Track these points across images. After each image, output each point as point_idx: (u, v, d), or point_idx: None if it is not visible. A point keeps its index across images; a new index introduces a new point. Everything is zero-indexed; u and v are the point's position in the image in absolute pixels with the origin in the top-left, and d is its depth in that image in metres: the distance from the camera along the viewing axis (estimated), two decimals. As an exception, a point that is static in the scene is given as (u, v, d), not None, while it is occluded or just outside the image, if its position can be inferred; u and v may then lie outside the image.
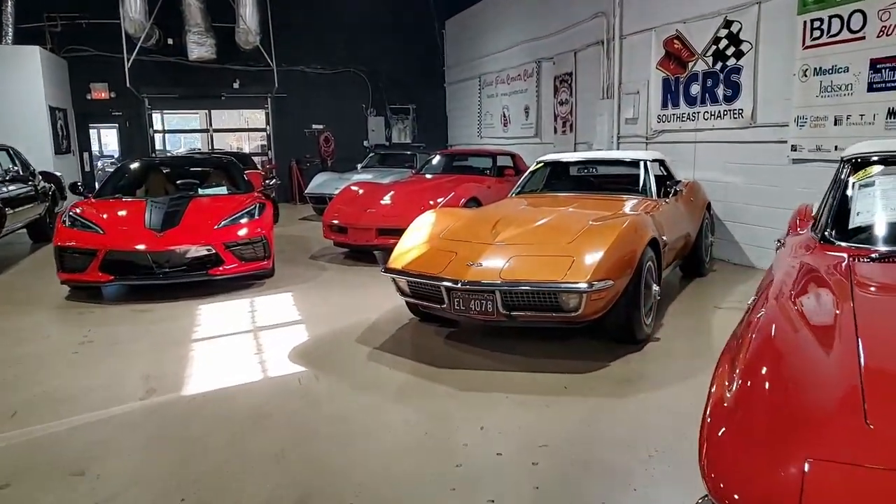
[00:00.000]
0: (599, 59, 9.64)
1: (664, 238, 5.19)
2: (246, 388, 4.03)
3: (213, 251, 6.46)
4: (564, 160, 6.62)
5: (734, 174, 7.38)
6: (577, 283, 4.05)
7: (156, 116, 15.93)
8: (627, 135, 9.23)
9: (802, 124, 6.34)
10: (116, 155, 16.91)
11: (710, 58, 7.55)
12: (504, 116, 13.23)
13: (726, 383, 1.94)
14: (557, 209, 5.43)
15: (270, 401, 3.81)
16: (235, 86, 15.59)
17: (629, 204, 5.55)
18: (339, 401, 3.78)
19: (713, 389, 1.96)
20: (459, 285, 4.21)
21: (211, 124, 16.17)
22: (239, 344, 4.94)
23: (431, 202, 7.89)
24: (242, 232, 6.69)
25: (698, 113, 7.81)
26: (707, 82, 7.64)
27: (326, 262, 8.15)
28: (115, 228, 6.45)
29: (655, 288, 4.72)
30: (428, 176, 9.85)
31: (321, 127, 16.27)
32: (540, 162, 6.59)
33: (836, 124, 5.98)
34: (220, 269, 6.48)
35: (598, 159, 6.60)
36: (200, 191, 7.70)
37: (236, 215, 6.81)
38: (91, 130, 16.45)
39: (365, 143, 16.30)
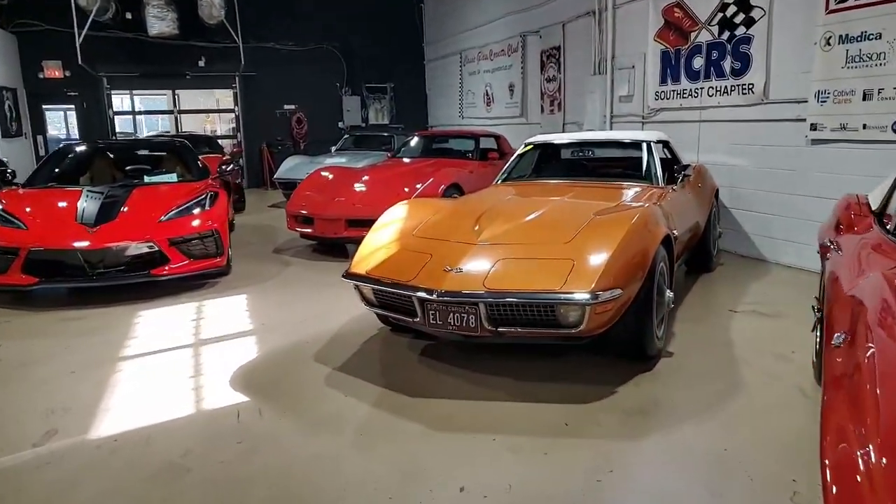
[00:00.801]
0: (590, 32, 8.84)
1: (675, 232, 4.46)
2: (171, 428, 3.25)
3: (156, 248, 5.63)
4: (556, 142, 5.85)
5: (743, 157, 6.66)
6: (578, 293, 3.30)
7: (123, 98, 14.91)
8: (621, 114, 8.47)
9: (824, 100, 5.61)
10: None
11: (716, 27, 6.79)
12: (487, 95, 12.41)
13: (855, 448, 1.25)
14: (551, 199, 4.67)
15: (197, 447, 3.03)
16: (201, 64, 14.58)
17: (633, 192, 4.81)
18: (282, 447, 3.01)
19: (828, 450, 1.31)
20: (434, 296, 3.45)
21: (176, 105, 15.15)
22: (174, 363, 4.14)
23: (406, 189, 7.11)
24: (190, 225, 5.86)
25: (702, 89, 7.06)
26: (712, 54, 6.88)
27: (291, 257, 7.34)
28: (40, 223, 5.60)
29: (669, 294, 3.98)
30: (406, 160, 9.03)
31: (293, 107, 15.34)
32: (528, 144, 5.81)
33: (864, 99, 5.25)
34: (165, 268, 5.66)
35: (594, 141, 5.83)
36: (147, 178, 6.84)
37: (184, 206, 5.98)
38: (54, 112, 15.42)
39: (340, 124, 15.41)
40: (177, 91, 15.01)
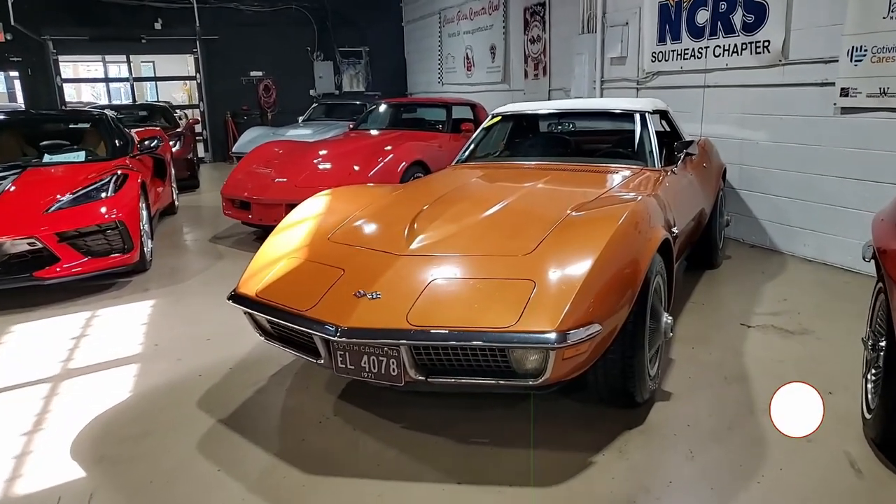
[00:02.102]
0: (579, -17, 7.71)
1: (675, 230, 3.46)
2: (-47, 530, 2.27)
3: (40, 245, 4.60)
4: (531, 112, 4.79)
5: (756, 129, 5.61)
6: (539, 332, 2.31)
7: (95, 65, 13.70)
8: (613, 78, 7.39)
9: (859, 58, 4.56)
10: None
11: (725, -28, 5.70)
12: (467, 59, 11.27)
13: None
14: (517, 188, 3.65)
15: (-30, 572, 2.06)
16: (157, 26, 13.33)
17: (622, 177, 3.79)
18: (93, 574, 2.04)
19: None
20: (336, 336, 2.45)
21: (132, 72, 13.93)
22: (15, 408, 3.14)
23: (357, 167, 6.08)
24: (86, 216, 4.82)
25: (707, 48, 5.98)
26: (720, 6, 5.78)
27: (228, 247, 6.32)
28: None
29: (667, 320, 2.98)
30: (374, 132, 7.95)
31: (260, 74, 14.14)
32: (496, 115, 4.75)
33: (914, 58, 4.21)
34: (53, 269, 4.64)
35: (577, 111, 4.77)
36: (47, 157, 5.77)
37: (80, 193, 4.93)
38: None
39: (312, 92, 14.24)
40: (129, 56, 13.75)
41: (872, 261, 2.82)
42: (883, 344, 2.50)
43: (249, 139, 10.62)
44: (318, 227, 3.22)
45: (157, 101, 14.39)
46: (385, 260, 2.77)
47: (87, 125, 6.59)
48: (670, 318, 3.00)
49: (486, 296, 2.50)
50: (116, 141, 6.13)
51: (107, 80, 14.86)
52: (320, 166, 6.32)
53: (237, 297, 2.91)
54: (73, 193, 4.90)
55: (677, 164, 4.12)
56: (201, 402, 3.13)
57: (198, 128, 14.13)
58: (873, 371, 2.59)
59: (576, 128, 4.81)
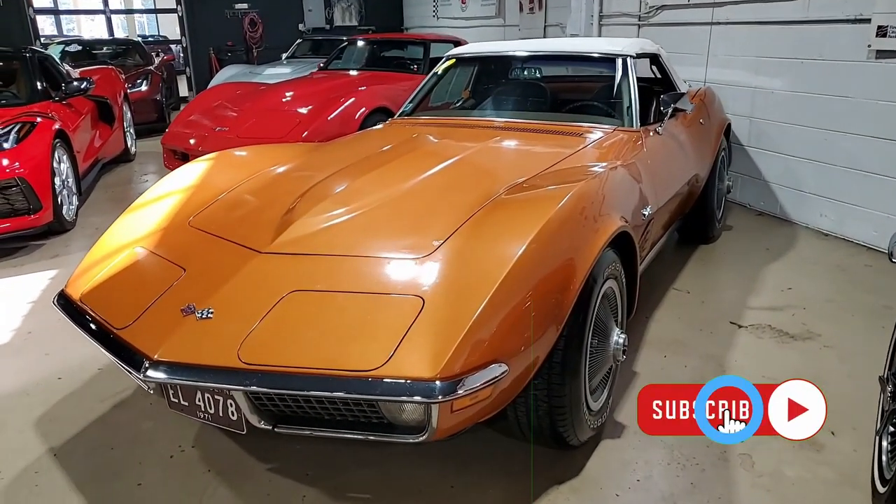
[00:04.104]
0: None
1: (647, 210, 2.72)
2: None
3: (-79, 207, 3.99)
4: (489, 55, 3.96)
5: (770, 75, 4.74)
6: (414, 380, 1.63)
7: None
8: (613, 13, 6.46)
9: (902, -10, 3.67)
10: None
11: None
12: (462, -10, 10.25)
13: None
14: (457, 152, 2.92)
15: None
16: (133, -48, 12.35)
17: (592, 140, 3.02)
18: None
19: None
20: (143, 371, 1.79)
21: (108, 4, 13.02)
22: None
23: (306, 110, 5.32)
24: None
25: (719, -24, 5.06)
26: (736, -75, 4.83)
27: (169, 205, 5.66)
28: None
29: (618, 337, 2.28)
30: (340, 73, 7.11)
31: (245, 7, 13.13)
32: (450, 57, 3.93)
33: (973, -12, 3.32)
34: (-60, 234, 4.04)
35: (546, 54, 3.93)
36: (-48, 101, 5.09)
37: (-31, 145, 4.27)
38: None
39: (301, 26, 13.24)
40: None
41: (902, 263, 2.09)
42: (908, 393, 1.81)
43: (225, 78, 9.80)
44: (182, 206, 2.52)
45: (134, 37, 13.59)
46: (239, 258, 2.07)
47: (12, 64, 5.84)
48: (623, 335, 2.29)
49: (356, 321, 1.81)
50: (38, 83, 5.39)
51: (83, 11, 13.96)
52: (270, 113, 5.54)
53: (62, 300, 2.25)
54: (-36, 146, 4.25)
55: (663, 122, 3.32)
56: (41, 421, 2.52)
57: (181, 65, 13.33)
58: (892, 427, 1.90)
59: (541, 74, 3.99)
